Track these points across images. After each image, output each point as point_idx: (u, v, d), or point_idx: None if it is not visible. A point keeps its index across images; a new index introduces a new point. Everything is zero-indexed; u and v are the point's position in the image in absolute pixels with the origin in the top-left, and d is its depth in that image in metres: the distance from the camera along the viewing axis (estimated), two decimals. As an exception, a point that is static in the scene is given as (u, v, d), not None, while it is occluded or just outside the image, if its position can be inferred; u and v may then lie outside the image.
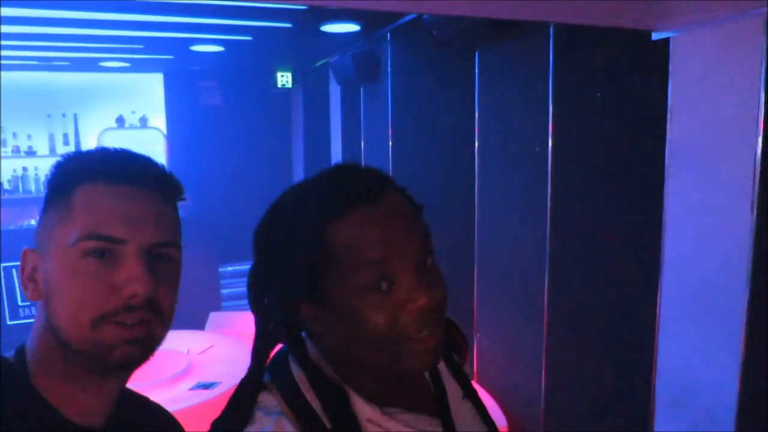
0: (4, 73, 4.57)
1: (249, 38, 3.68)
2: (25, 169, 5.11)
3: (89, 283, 0.71)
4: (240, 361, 2.90)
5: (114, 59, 4.57)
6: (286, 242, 0.70)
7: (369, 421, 0.71)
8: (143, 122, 5.32)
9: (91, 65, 4.75)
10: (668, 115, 1.72)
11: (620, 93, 2.06)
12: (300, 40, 3.84)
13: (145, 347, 0.74)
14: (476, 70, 2.76)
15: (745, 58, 1.48)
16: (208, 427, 0.71)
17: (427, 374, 0.81)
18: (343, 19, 3.26)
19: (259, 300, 0.74)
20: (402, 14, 3.02)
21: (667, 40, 1.71)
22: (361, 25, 3.38)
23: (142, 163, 0.78)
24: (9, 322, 4.96)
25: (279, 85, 5.29)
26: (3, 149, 5.00)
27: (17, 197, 5.08)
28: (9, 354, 0.78)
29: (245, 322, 3.92)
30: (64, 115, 5.11)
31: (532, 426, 2.51)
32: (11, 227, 4.98)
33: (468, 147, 2.85)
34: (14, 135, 5.05)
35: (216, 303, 5.37)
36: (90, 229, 0.71)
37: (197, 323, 4.10)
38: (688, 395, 1.71)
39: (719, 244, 1.59)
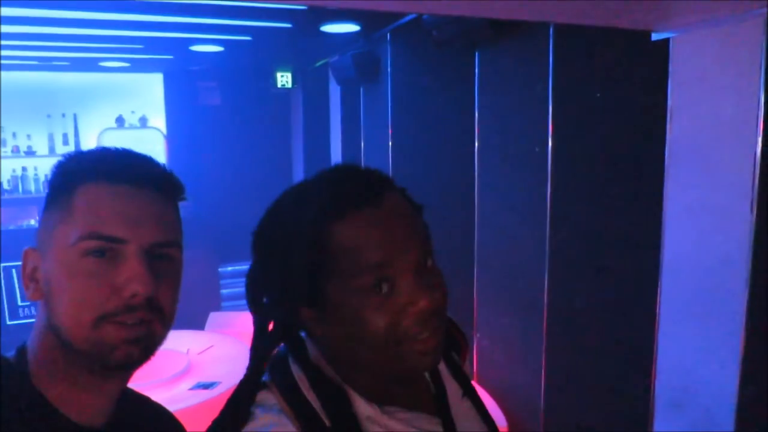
0: (4, 73, 4.56)
1: (249, 38, 3.68)
2: (24, 169, 5.10)
3: (90, 282, 0.71)
4: (240, 361, 2.90)
5: (114, 59, 4.57)
6: (285, 244, 0.69)
7: (369, 419, 0.71)
8: (143, 122, 5.32)
9: (90, 65, 4.75)
10: (668, 115, 1.72)
11: (620, 93, 2.06)
12: (300, 40, 3.84)
13: (146, 347, 0.74)
14: (476, 70, 2.76)
15: (745, 58, 1.48)
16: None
17: (427, 374, 0.81)
18: (342, 20, 3.26)
19: (258, 300, 0.74)
20: (402, 14, 3.02)
21: (667, 41, 1.71)
22: (360, 26, 3.38)
23: (143, 162, 0.78)
24: (9, 322, 4.96)
25: (279, 86, 5.29)
26: (3, 149, 5.00)
27: (17, 197, 5.08)
28: (10, 354, 0.78)
29: (245, 322, 3.91)
30: (63, 115, 5.11)
31: (532, 426, 2.51)
32: (11, 227, 4.97)
33: (468, 147, 2.85)
34: (14, 135, 5.05)
35: (216, 303, 5.37)
36: (91, 228, 0.71)
37: (197, 323, 4.10)
38: (688, 395, 1.71)
39: (719, 244, 1.59)
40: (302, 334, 0.76)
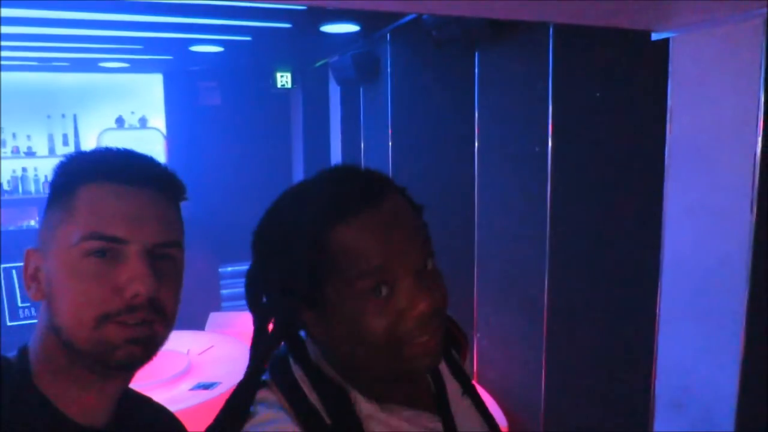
0: (3, 74, 4.57)
1: (248, 38, 3.68)
2: (24, 169, 5.10)
3: (91, 282, 0.71)
4: (240, 361, 2.90)
5: (113, 60, 4.57)
6: (285, 244, 0.69)
7: (370, 418, 0.71)
8: (143, 123, 5.32)
9: (90, 66, 4.75)
10: (668, 115, 1.72)
11: (620, 93, 2.06)
12: (299, 40, 3.84)
13: (148, 347, 0.74)
14: (476, 70, 2.76)
15: (745, 58, 1.48)
16: (209, 427, 0.71)
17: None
18: (342, 20, 3.26)
19: (257, 300, 0.74)
20: (402, 14, 3.02)
21: (666, 41, 1.71)
22: (360, 26, 3.38)
23: (145, 162, 0.78)
24: (9, 323, 4.96)
25: (278, 86, 5.28)
26: (2, 150, 4.99)
27: (17, 198, 5.08)
28: (10, 354, 0.78)
29: (245, 323, 3.91)
30: (63, 116, 5.11)
31: (532, 426, 2.51)
32: (11, 228, 4.97)
33: (468, 147, 2.85)
34: (14, 135, 5.05)
35: (216, 303, 5.38)
36: (92, 228, 0.71)
37: (197, 323, 4.10)
38: (688, 395, 1.71)
39: (719, 244, 1.59)
40: (302, 333, 0.76)
